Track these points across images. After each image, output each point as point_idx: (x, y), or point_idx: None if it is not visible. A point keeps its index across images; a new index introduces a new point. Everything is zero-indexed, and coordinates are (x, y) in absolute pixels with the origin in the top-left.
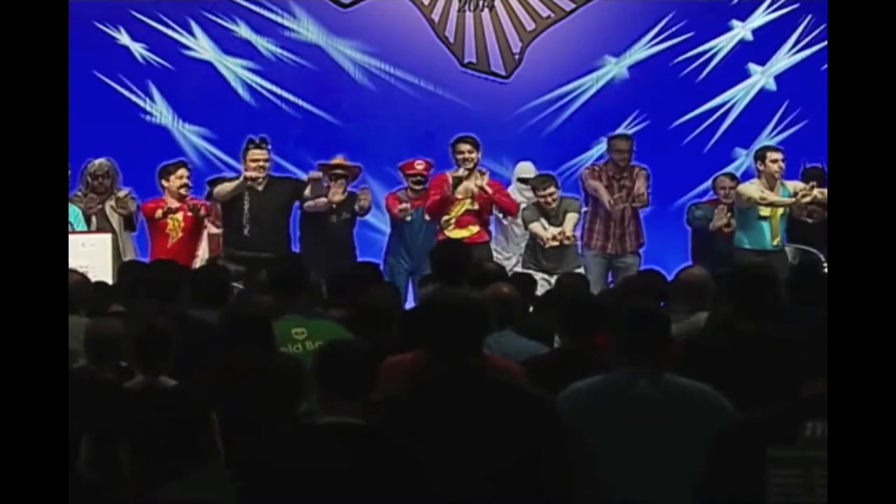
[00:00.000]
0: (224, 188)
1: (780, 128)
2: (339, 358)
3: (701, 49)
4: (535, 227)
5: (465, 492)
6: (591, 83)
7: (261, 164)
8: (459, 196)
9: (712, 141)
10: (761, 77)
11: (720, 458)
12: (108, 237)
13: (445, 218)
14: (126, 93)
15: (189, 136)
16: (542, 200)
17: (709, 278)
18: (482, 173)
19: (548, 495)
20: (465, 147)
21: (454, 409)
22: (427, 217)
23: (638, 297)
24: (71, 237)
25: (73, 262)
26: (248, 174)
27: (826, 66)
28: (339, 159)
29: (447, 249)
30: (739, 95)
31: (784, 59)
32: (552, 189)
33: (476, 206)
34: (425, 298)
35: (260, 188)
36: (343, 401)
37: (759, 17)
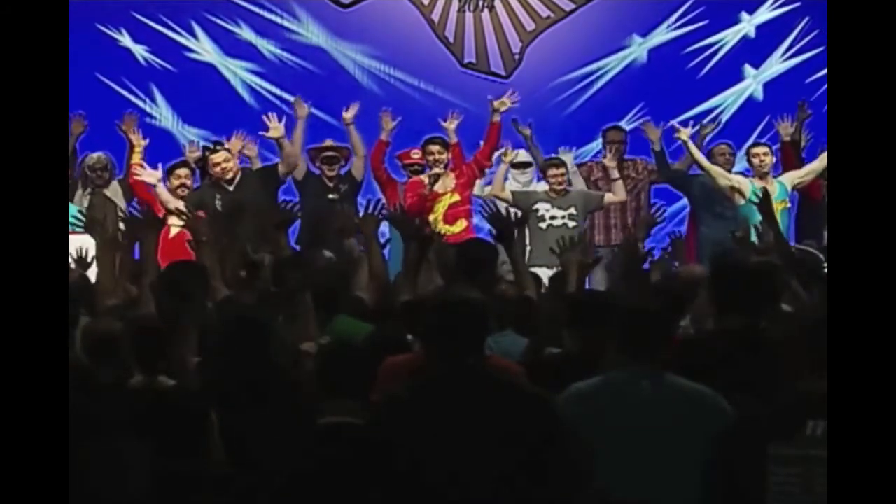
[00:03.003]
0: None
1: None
2: (339, 357)
3: (710, 41)
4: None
5: (464, 492)
6: (613, 64)
7: (222, 166)
8: (439, 192)
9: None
10: (752, 83)
11: (722, 456)
12: None
13: (432, 216)
14: (128, 95)
15: (191, 138)
16: (552, 182)
17: (706, 276)
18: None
19: (547, 495)
20: (435, 148)
21: (454, 408)
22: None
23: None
24: (71, 237)
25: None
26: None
27: (810, 79)
28: (328, 142)
29: (475, 248)
30: (729, 101)
31: (777, 64)
32: (562, 170)
33: (458, 198)
34: (426, 298)
35: (231, 187)
36: (343, 401)
37: (765, 12)
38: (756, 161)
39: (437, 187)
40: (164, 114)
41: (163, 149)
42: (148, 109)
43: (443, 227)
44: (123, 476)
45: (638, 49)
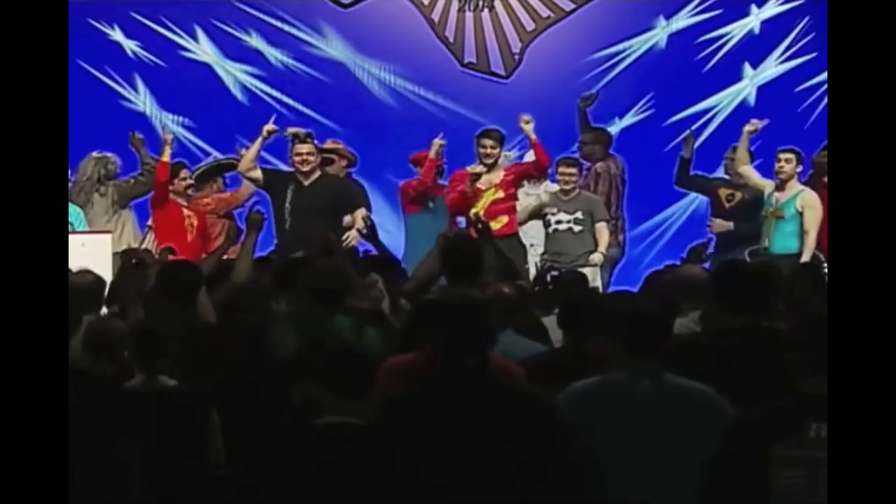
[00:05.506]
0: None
1: None
2: (340, 358)
3: (720, 32)
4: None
5: (464, 492)
6: (637, 46)
7: (304, 157)
8: (482, 187)
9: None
10: (748, 84)
11: (722, 456)
12: (108, 237)
13: (474, 211)
14: (107, 80)
15: (167, 122)
16: (560, 181)
17: (707, 276)
18: (506, 156)
19: (548, 496)
20: (489, 143)
21: (454, 409)
22: (455, 219)
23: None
24: (71, 237)
25: (73, 262)
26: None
27: (800, 87)
28: (329, 143)
29: (459, 247)
30: (724, 102)
31: (773, 66)
32: (572, 170)
33: (502, 195)
34: (427, 299)
35: (306, 183)
36: (343, 401)
37: (772, 7)
38: (777, 166)
39: (481, 183)
40: (144, 101)
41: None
42: (126, 94)
43: None
44: (123, 476)
45: (661, 32)
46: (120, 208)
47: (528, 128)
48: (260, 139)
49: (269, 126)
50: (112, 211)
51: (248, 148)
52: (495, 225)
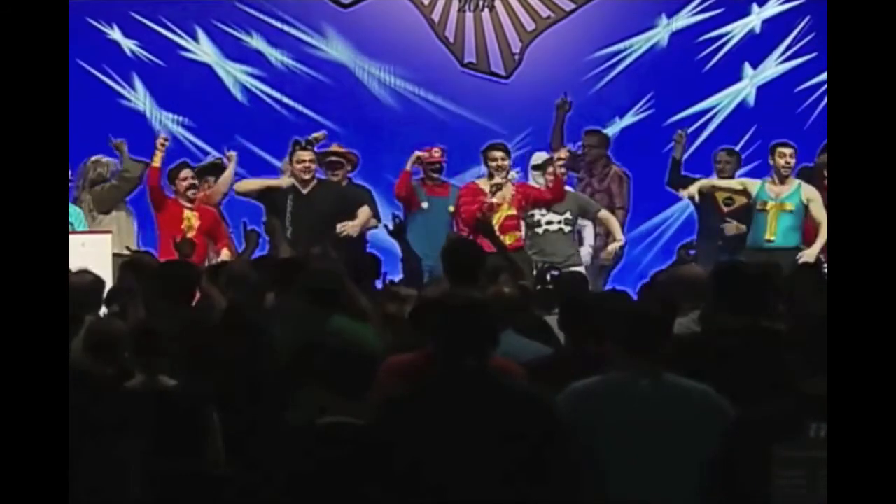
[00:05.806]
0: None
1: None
2: (340, 357)
3: (720, 31)
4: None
5: (464, 492)
6: (638, 45)
7: (307, 164)
8: (497, 202)
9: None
10: (748, 84)
11: (722, 456)
12: (108, 237)
13: (483, 217)
14: (105, 79)
15: (166, 122)
16: (548, 180)
17: (706, 276)
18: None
19: (548, 496)
20: (499, 154)
21: (454, 409)
22: (465, 229)
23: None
24: (71, 237)
25: (73, 262)
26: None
27: (800, 87)
28: (333, 147)
29: (459, 249)
30: (724, 103)
31: (773, 66)
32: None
33: (514, 211)
34: (427, 299)
35: (305, 191)
36: (343, 400)
37: (773, 6)
38: (782, 161)
39: (496, 197)
40: (142, 99)
41: (134, 132)
42: (124, 93)
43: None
44: (123, 476)
45: (663, 31)
46: (98, 213)
47: (560, 162)
48: (269, 181)
49: (285, 178)
50: (91, 218)
51: (247, 178)
52: (509, 239)
